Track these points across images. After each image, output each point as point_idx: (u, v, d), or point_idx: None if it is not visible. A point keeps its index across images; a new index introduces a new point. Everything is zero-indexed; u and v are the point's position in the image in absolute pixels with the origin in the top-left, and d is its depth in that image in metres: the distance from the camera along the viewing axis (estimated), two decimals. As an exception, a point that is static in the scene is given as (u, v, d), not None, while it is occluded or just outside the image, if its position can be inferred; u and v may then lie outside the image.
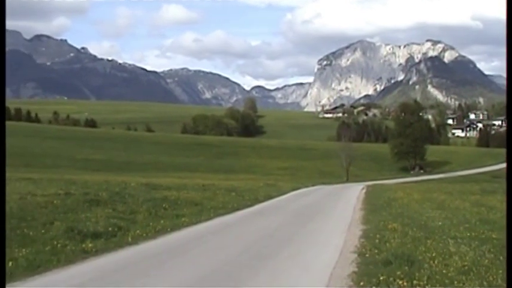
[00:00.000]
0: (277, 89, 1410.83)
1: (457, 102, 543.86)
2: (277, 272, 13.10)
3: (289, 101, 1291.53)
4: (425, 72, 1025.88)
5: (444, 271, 12.28)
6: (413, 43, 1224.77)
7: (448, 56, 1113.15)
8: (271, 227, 22.06)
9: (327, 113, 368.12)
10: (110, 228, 17.72)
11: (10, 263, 12.49)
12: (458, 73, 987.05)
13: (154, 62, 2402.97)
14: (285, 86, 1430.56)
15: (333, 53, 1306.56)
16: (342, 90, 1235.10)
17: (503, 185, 44.64)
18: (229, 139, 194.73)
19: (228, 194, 37.69)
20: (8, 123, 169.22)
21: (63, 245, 14.84)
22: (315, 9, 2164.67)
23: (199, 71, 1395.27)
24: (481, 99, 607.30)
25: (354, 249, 15.88)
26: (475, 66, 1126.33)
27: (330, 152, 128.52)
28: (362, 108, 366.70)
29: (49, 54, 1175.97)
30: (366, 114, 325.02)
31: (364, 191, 51.42)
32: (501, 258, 13.57)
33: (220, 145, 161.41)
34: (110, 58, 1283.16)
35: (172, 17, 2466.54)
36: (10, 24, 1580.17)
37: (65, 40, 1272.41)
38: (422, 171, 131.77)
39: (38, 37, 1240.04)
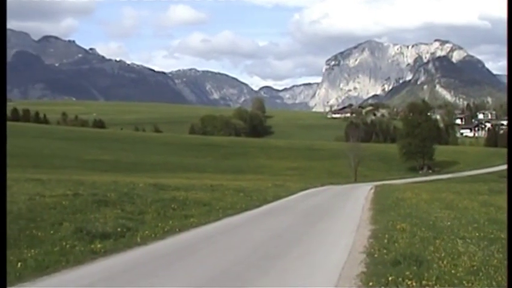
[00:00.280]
0: (285, 90, 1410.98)
1: (465, 102, 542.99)
2: (287, 272, 13.10)
3: (297, 102, 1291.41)
4: (434, 72, 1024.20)
5: (453, 271, 12.25)
6: (421, 43, 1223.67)
7: (456, 56, 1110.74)
8: (280, 227, 22.08)
9: (335, 113, 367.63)
10: (119, 229, 17.72)
11: (19, 264, 12.52)
12: (466, 73, 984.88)
13: (162, 62, 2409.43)
14: (293, 86, 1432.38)
15: (341, 53, 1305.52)
16: (350, 90, 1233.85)
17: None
18: (238, 139, 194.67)
19: (237, 195, 37.67)
20: (16, 124, 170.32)
21: (72, 246, 14.86)
22: (323, 10, 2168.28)
23: (207, 72, 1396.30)
24: (489, 99, 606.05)
25: (362, 250, 15.86)
26: (483, 65, 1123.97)
27: (338, 152, 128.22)
28: (370, 108, 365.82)
29: (57, 55, 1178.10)
30: (374, 114, 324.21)
31: (372, 191, 51.27)
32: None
33: (229, 145, 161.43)
34: (117, 59, 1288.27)
35: (180, 17, 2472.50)
36: (18, 25, 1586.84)
37: (73, 41, 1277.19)
38: (430, 171, 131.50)
39: (46, 38, 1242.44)
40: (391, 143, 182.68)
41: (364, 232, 20.00)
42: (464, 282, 11.51)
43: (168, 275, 12.57)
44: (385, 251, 14.90)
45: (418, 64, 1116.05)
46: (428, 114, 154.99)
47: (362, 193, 48.96)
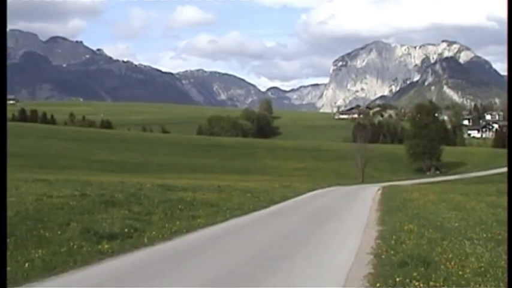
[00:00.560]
0: (292, 90, 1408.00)
1: (472, 103, 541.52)
2: (294, 272, 13.09)
3: (304, 102, 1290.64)
4: (441, 73, 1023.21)
5: (460, 272, 12.22)
6: (428, 44, 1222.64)
7: (463, 57, 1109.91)
8: (287, 228, 22.07)
9: (342, 114, 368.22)
10: (126, 229, 17.75)
11: (26, 264, 12.56)
12: (474, 74, 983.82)
13: (169, 63, 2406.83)
14: (300, 87, 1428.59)
15: (348, 54, 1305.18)
16: (357, 91, 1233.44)
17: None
18: (245, 140, 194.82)
19: (244, 195, 37.71)
20: (24, 124, 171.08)
21: (79, 246, 14.90)
22: (330, 11, 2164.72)
23: (215, 72, 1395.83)
24: (496, 100, 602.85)
25: (370, 250, 15.84)
26: (490, 66, 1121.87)
27: (346, 153, 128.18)
28: (377, 109, 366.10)
29: (65, 56, 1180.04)
30: (382, 115, 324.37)
31: (379, 192, 51.17)
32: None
33: (236, 146, 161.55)
34: (125, 59, 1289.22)
35: (187, 18, 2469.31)
36: (26, 26, 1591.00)
37: (81, 42, 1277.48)
38: (438, 172, 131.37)
39: (54, 39, 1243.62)
40: (399, 143, 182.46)
41: (372, 233, 19.99)
42: (471, 283, 11.48)
43: (175, 276, 12.59)
44: (392, 252, 14.87)
45: (426, 65, 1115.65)
46: (436, 115, 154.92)
47: (369, 194, 48.91)
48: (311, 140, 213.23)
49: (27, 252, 13.75)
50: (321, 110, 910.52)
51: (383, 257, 14.51)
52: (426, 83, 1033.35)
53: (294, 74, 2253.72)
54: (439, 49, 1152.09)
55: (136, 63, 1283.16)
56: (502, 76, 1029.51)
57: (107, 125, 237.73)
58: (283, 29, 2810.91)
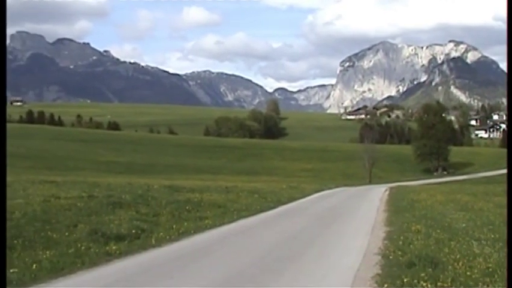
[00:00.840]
0: (299, 91, 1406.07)
1: (480, 103, 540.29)
2: (301, 273, 13.08)
3: (311, 103, 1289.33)
4: (448, 73, 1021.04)
5: (468, 273, 12.21)
6: (435, 44, 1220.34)
7: (470, 57, 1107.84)
8: (295, 228, 22.06)
9: (349, 114, 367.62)
10: (133, 231, 17.78)
11: (34, 265, 12.59)
12: (481, 74, 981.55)
13: (176, 64, 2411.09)
14: (307, 87, 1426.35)
15: (355, 55, 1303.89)
16: (364, 91, 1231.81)
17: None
18: (252, 141, 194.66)
19: (251, 196, 37.73)
20: (31, 126, 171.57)
21: (87, 248, 14.93)
22: (336, 11, 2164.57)
23: (222, 73, 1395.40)
24: (504, 100, 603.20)
25: (377, 251, 15.83)
26: (498, 66, 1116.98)
27: (353, 153, 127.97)
28: (385, 109, 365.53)
29: (72, 58, 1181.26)
30: (389, 116, 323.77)
31: (387, 192, 51.13)
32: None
33: (243, 147, 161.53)
34: (132, 61, 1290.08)
35: (193, 19, 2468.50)
36: (33, 27, 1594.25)
37: (88, 43, 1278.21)
38: (445, 172, 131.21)
39: (61, 40, 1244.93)
40: (406, 144, 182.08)
41: (379, 234, 19.97)
42: (479, 284, 11.47)
43: (182, 277, 12.59)
44: (400, 252, 14.85)
45: (433, 65, 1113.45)
46: (443, 115, 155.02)
47: (377, 194, 48.88)
48: (318, 141, 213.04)
49: (35, 253, 13.78)
50: (328, 111, 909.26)
51: (391, 257, 14.49)
52: (433, 83, 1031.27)
53: (300, 75, 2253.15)
54: (446, 49, 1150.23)
55: (143, 64, 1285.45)
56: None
57: (114, 126, 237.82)
58: (289, 29, 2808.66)
